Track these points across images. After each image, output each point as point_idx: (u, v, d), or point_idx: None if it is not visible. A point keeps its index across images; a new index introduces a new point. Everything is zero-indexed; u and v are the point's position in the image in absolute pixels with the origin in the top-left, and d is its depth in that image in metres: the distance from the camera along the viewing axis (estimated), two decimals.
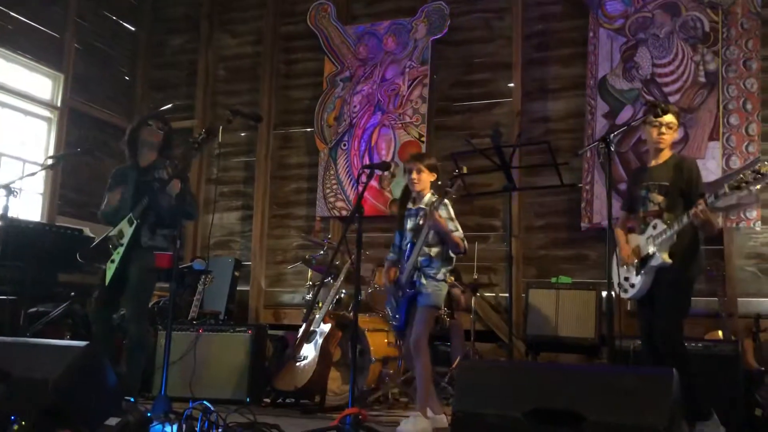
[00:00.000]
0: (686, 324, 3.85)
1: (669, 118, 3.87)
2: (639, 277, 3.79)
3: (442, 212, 4.00)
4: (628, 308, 5.12)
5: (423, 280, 4.04)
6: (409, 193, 4.25)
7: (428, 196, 4.14)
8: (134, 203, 4.26)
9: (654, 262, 3.70)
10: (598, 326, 5.36)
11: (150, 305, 6.23)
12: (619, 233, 4.00)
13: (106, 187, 4.49)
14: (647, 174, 3.96)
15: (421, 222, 4.07)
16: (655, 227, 3.74)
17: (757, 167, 3.30)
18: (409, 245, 4.12)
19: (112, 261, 4.23)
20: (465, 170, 4.10)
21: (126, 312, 4.25)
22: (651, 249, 3.72)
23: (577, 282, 5.87)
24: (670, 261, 3.66)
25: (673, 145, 4.09)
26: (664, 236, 3.68)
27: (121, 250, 4.21)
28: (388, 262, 4.35)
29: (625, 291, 3.89)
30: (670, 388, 2.30)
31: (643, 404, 2.27)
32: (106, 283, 4.21)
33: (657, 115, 3.88)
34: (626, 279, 3.88)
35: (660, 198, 3.80)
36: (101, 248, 4.33)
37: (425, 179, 4.14)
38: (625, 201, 4.14)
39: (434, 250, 4.06)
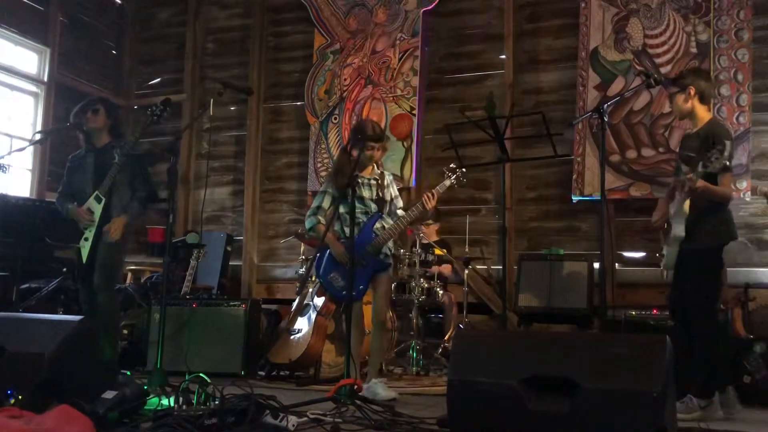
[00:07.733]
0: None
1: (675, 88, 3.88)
2: (665, 247, 3.78)
3: (395, 188, 4.31)
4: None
5: (388, 252, 4.23)
6: (348, 162, 4.10)
7: (374, 168, 4.31)
8: (96, 184, 4.38)
9: (671, 234, 3.69)
10: (590, 297, 5.41)
11: (143, 280, 6.24)
12: (660, 200, 4.00)
13: (64, 172, 4.63)
14: (684, 142, 3.95)
15: (380, 193, 4.20)
16: (677, 198, 3.72)
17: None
18: (376, 215, 4.21)
19: (86, 239, 4.34)
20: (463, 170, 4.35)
21: (95, 282, 4.31)
22: (671, 220, 3.73)
23: (569, 253, 5.90)
24: (682, 234, 3.62)
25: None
26: (678, 208, 3.65)
27: (92, 228, 4.32)
28: (320, 224, 4.19)
29: (662, 261, 3.87)
30: (664, 354, 2.32)
31: (637, 370, 2.30)
32: (84, 261, 4.32)
33: (649, 86, 3.88)
34: (662, 249, 3.86)
35: (686, 168, 3.71)
36: (70, 228, 4.50)
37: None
38: (675, 168, 4.07)
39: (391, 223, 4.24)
